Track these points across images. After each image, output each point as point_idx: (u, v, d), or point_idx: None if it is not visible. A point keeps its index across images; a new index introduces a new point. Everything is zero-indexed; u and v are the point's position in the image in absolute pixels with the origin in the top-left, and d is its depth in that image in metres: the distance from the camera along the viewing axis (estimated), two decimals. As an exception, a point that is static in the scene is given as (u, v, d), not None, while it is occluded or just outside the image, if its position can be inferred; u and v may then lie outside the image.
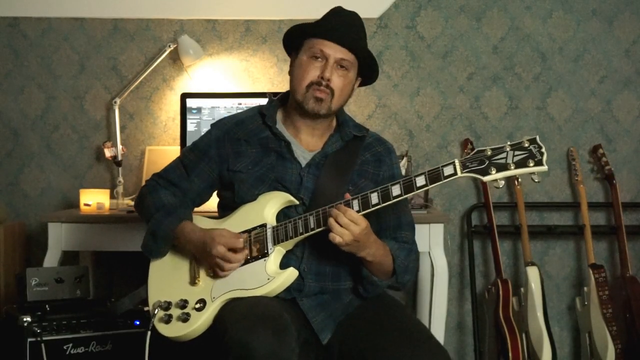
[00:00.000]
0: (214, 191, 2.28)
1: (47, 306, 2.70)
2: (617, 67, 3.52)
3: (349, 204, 1.97)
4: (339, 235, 1.93)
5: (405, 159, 3.22)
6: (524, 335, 3.26)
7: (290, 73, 2.19)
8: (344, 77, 2.13)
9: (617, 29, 3.52)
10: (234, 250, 2.03)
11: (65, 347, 2.66)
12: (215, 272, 2.06)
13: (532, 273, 3.28)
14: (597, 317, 3.27)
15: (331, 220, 1.94)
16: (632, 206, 3.51)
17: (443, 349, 1.96)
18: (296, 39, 2.17)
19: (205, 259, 2.08)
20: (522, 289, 3.32)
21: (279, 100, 2.26)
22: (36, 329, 2.61)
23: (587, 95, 3.53)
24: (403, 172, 3.13)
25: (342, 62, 2.11)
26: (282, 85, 3.46)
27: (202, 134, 2.35)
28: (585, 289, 3.34)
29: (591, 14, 3.52)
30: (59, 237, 2.95)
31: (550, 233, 3.48)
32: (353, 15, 2.16)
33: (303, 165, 2.16)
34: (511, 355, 3.20)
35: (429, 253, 2.94)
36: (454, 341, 3.53)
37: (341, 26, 2.11)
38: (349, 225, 1.93)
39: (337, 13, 2.16)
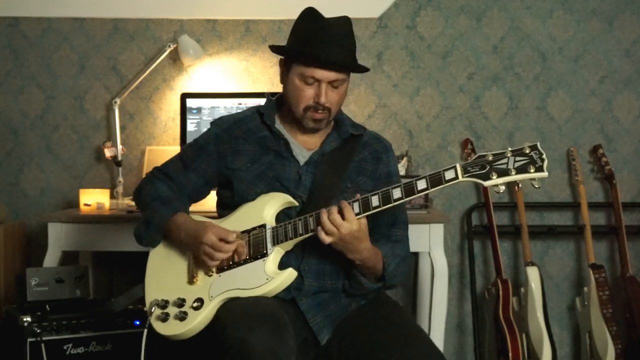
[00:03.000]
0: (210, 188, 2.29)
1: (47, 306, 2.71)
2: (617, 67, 3.52)
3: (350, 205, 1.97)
4: (326, 232, 1.94)
5: (405, 159, 3.22)
6: (524, 335, 3.26)
7: (283, 84, 2.18)
8: (338, 92, 2.13)
9: (617, 29, 3.52)
10: (224, 241, 2.04)
11: (65, 347, 2.67)
12: (205, 261, 2.06)
13: (532, 273, 3.28)
14: (597, 317, 3.27)
15: (324, 217, 1.95)
16: (632, 206, 3.51)
17: (440, 354, 1.97)
18: (285, 58, 2.17)
19: (196, 248, 2.07)
20: (522, 289, 3.32)
21: (277, 100, 2.26)
22: (36, 329, 2.61)
23: (587, 95, 3.53)
24: (403, 172, 3.14)
25: (335, 83, 2.11)
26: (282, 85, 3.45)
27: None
28: (585, 289, 3.34)
29: (591, 14, 3.51)
30: (59, 237, 2.95)
31: (550, 233, 3.48)
32: (340, 26, 2.10)
33: (302, 164, 2.17)
34: (511, 355, 3.20)
35: (429, 253, 2.94)
36: (454, 341, 3.53)
37: (329, 48, 2.06)
38: (341, 225, 1.94)
39: (323, 30, 2.07)
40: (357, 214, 1.97)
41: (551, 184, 3.53)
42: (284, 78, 2.17)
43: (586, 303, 3.34)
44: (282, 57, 2.19)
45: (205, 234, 2.04)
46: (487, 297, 3.39)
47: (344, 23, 2.11)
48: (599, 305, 3.26)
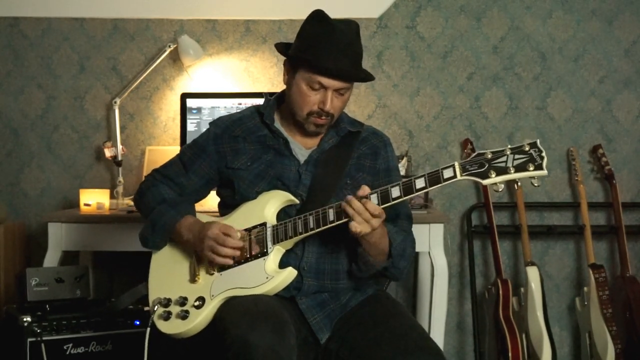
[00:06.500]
0: (211, 188, 2.29)
1: (47, 306, 2.71)
2: (617, 67, 3.52)
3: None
4: (360, 225, 1.92)
5: (405, 159, 3.22)
6: (524, 335, 3.26)
7: (287, 85, 2.17)
8: (343, 98, 2.13)
9: (617, 29, 3.52)
10: (228, 236, 2.04)
11: (65, 347, 2.67)
12: (209, 257, 2.05)
13: (532, 273, 3.28)
14: (597, 317, 3.27)
15: (352, 212, 1.92)
16: (632, 206, 3.51)
17: (438, 349, 1.97)
18: (291, 61, 2.16)
19: (201, 245, 2.06)
20: (522, 289, 3.32)
21: (276, 100, 2.27)
22: (36, 329, 2.61)
23: (587, 95, 3.53)
24: (403, 172, 3.13)
25: (341, 90, 2.11)
26: (282, 85, 3.44)
27: (202, 132, 2.36)
28: (585, 289, 3.34)
29: (591, 14, 3.52)
30: (59, 237, 2.95)
31: (550, 233, 3.48)
32: (349, 32, 2.09)
33: (301, 162, 2.17)
34: (511, 355, 3.20)
35: (429, 253, 2.94)
36: (454, 341, 3.53)
37: (338, 56, 2.05)
38: (370, 219, 1.92)
39: (331, 35, 2.06)
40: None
41: (551, 184, 3.53)
42: (289, 80, 2.16)
43: (586, 303, 3.34)
44: (286, 58, 2.17)
45: (210, 228, 2.04)
46: (487, 297, 3.39)
47: (353, 29, 2.10)
48: (599, 305, 3.26)
